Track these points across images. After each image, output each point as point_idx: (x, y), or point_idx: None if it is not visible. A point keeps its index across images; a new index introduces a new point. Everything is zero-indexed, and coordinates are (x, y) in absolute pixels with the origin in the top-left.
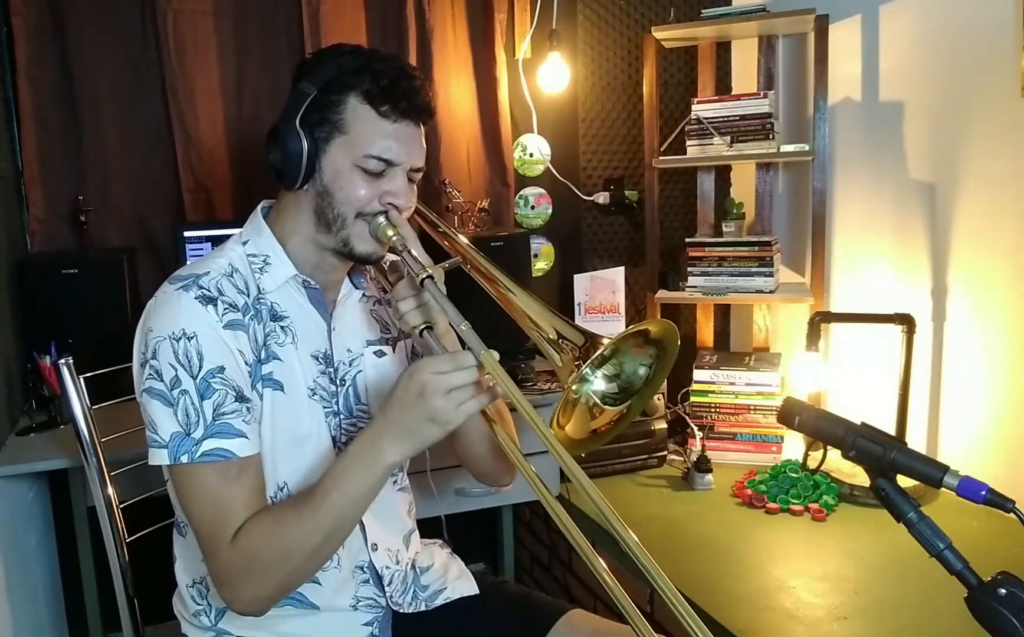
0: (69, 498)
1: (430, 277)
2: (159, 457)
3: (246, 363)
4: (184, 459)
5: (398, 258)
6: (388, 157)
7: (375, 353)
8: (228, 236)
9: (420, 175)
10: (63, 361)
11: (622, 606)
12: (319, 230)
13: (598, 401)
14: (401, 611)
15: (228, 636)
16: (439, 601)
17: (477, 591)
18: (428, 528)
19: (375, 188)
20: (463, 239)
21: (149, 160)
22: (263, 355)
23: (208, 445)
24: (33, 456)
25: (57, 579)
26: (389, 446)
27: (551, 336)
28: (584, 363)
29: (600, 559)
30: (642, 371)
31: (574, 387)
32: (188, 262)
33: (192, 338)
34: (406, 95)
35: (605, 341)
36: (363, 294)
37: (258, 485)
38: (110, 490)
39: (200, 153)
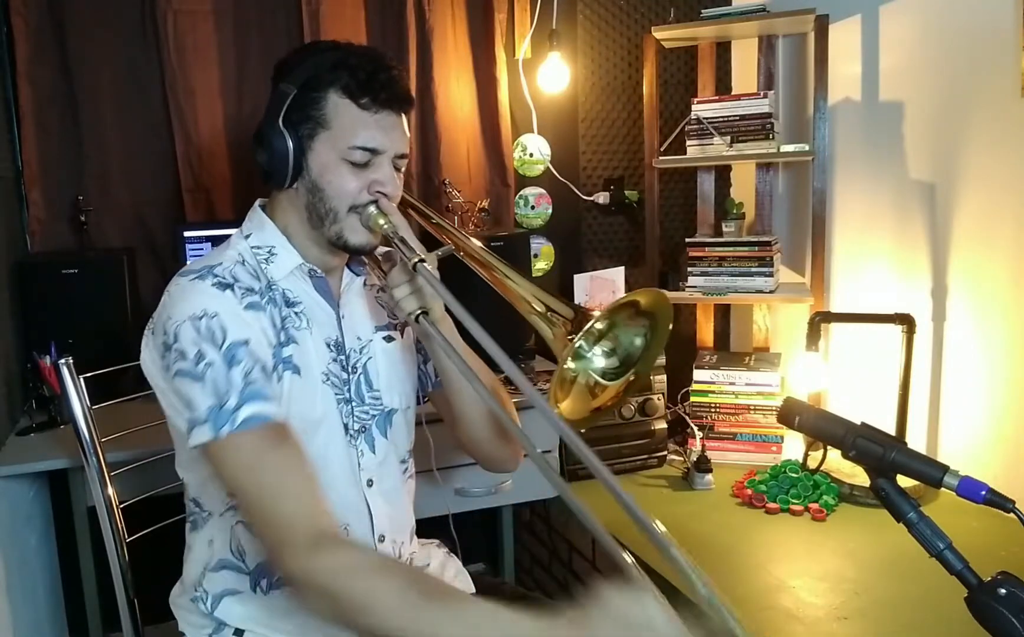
0: (69, 498)
1: (422, 261)
2: (201, 434)
3: (267, 342)
4: (226, 429)
5: (391, 247)
6: (372, 146)
7: (384, 339)
8: (228, 236)
9: (405, 162)
10: (63, 361)
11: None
12: (313, 225)
13: (599, 378)
14: None
15: (226, 627)
16: None
17: (474, 591)
18: (433, 527)
19: (363, 179)
20: (472, 240)
21: (149, 160)
22: (282, 338)
23: (246, 411)
24: (33, 456)
25: (57, 579)
26: None
27: (543, 311)
28: (576, 335)
29: (620, 548)
30: (638, 341)
31: (570, 362)
32: (188, 261)
33: (214, 316)
34: (385, 85)
35: (596, 313)
36: (364, 281)
37: (302, 449)
38: (110, 490)
39: (200, 153)
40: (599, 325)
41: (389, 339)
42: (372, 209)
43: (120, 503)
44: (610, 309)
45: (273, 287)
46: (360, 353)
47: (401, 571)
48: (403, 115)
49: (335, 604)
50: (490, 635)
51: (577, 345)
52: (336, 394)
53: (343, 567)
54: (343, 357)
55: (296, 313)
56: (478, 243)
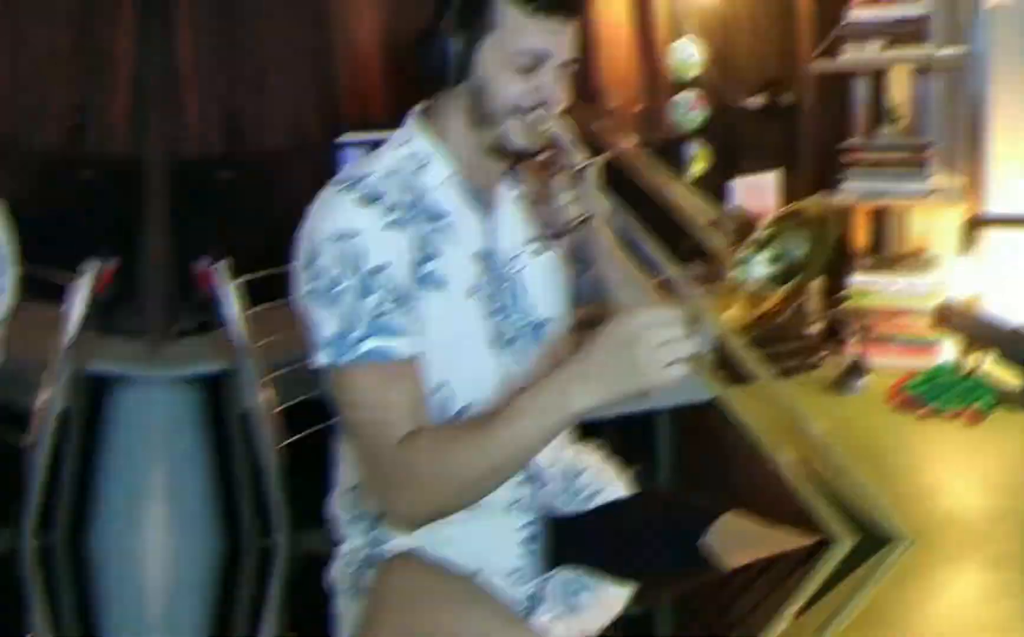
0: (223, 403)
1: (588, 166)
2: (321, 358)
3: (407, 263)
4: (346, 358)
5: (552, 153)
6: (539, 51)
7: (535, 251)
8: (385, 140)
9: (572, 69)
10: (219, 264)
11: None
12: (473, 129)
13: (763, 286)
14: (555, 513)
15: (385, 539)
16: (594, 503)
17: (631, 493)
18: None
19: (527, 84)
20: (633, 146)
21: (306, 62)
22: (424, 255)
23: (369, 344)
24: (190, 360)
25: (211, 485)
26: (579, 391)
27: (709, 222)
28: (742, 245)
29: (778, 455)
30: (801, 251)
31: (736, 271)
32: (345, 165)
33: (353, 237)
34: None
35: (762, 223)
36: (519, 193)
37: (420, 391)
38: (266, 394)
39: (358, 54)
40: (764, 234)
41: (541, 250)
42: (535, 114)
43: (276, 407)
44: (775, 219)
45: (422, 200)
46: (511, 262)
47: (458, 427)
48: (571, 22)
49: (428, 491)
50: (533, 414)
51: (743, 255)
52: (484, 306)
53: (420, 456)
54: (492, 269)
55: (442, 226)
56: (639, 149)
